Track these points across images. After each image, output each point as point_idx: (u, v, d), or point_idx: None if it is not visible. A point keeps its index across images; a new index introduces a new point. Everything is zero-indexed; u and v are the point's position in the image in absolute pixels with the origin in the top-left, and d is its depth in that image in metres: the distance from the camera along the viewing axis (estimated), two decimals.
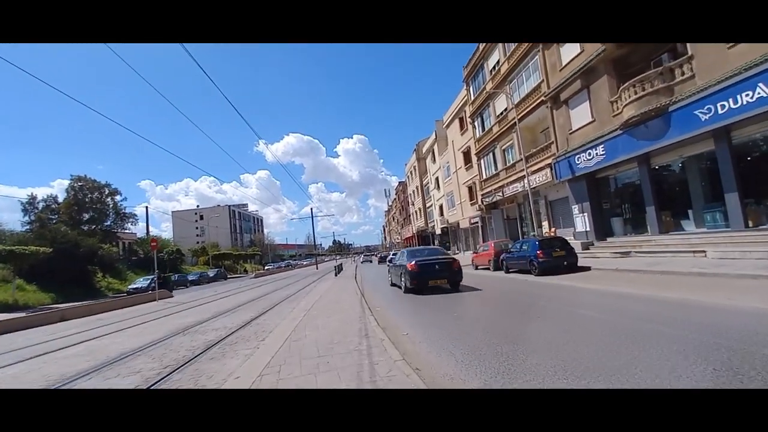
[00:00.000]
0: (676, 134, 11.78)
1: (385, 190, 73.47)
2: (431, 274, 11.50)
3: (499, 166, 25.83)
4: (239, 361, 5.55)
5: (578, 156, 16.63)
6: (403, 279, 12.38)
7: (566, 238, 15.42)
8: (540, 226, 23.17)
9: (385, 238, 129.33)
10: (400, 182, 75.79)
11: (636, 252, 13.61)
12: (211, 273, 46.37)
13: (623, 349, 4.27)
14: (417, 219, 58.13)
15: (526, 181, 20.08)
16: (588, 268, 12.82)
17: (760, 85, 9.28)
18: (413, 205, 59.94)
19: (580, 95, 16.77)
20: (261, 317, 10.10)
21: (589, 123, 16.24)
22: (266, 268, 66.89)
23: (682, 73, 11.74)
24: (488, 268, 18.12)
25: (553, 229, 21.52)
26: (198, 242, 75.59)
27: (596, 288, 9.17)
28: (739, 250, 9.76)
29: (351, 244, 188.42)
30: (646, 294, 7.55)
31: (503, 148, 25.09)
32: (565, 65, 17.22)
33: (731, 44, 10.08)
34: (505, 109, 23.70)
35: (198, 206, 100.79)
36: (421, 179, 52.28)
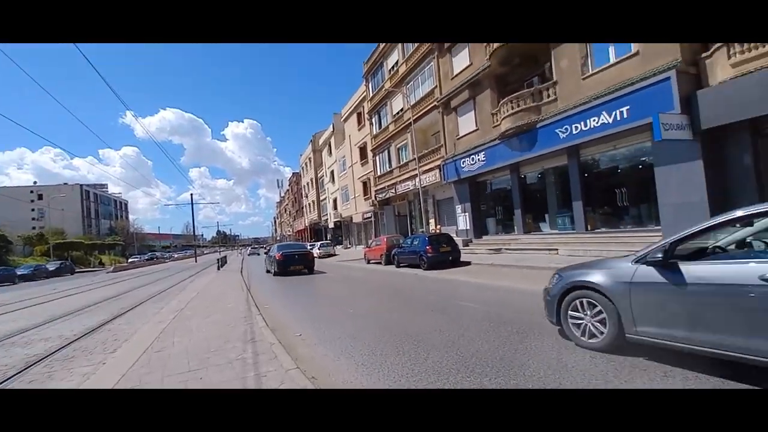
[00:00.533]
0: (541, 148, 13.71)
1: (277, 180, 70.04)
2: (292, 262, 16.69)
3: (393, 164, 26.73)
4: (74, 382, 4.31)
5: (463, 160, 18.15)
6: (273, 265, 17.29)
7: (451, 235, 16.70)
8: (428, 223, 24.77)
9: (275, 230, 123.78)
10: (294, 173, 73.06)
11: (506, 249, 15.46)
12: (52, 266, 37.75)
13: (510, 340, 4.58)
14: (310, 212, 56.81)
15: (417, 180, 21.15)
16: (469, 263, 14.05)
17: (603, 113, 11.34)
18: (307, 197, 58.39)
19: (467, 104, 18.30)
20: (115, 321, 8.33)
21: (474, 131, 17.84)
22: (130, 260, 57.33)
23: (548, 96, 13.67)
24: (380, 263, 18.53)
25: (438, 226, 23.21)
26: (35, 228, 60.64)
27: (478, 282, 10.02)
28: (582, 249, 11.81)
29: (238, 236, 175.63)
30: (521, 288, 8.50)
31: (398, 146, 26.01)
32: (456, 74, 18.58)
33: (586, 76, 12.09)
34: (402, 109, 24.57)
35: (36, 183, 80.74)
36: (316, 171, 51.19)
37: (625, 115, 10.81)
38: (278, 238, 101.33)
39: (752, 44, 8.62)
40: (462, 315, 6.33)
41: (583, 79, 12.29)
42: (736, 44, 8.91)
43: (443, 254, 13.84)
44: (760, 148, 9.38)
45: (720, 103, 9.10)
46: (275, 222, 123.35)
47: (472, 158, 17.52)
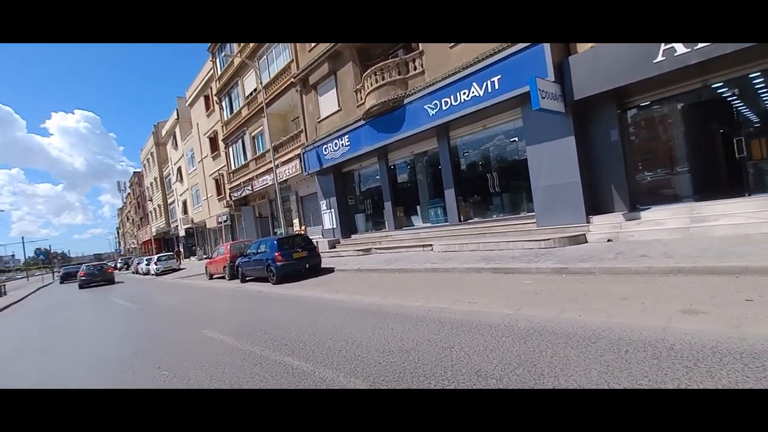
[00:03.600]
0: (409, 128, 11.73)
1: (118, 182, 55.98)
2: (93, 276, 22.67)
3: (249, 156, 22.37)
4: None
5: (326, 146, 15.29)
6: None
7: (315, 237, 13.68)
8: (291, 225, 21.28)
9: (119, 243, 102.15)
10: (135, 172, 60.02)
11: (376, 249, 13.15)
12: None
13: None
14: (156, 218, 46.88)
15: (275, 173, 17.50)
16: (331, 270, 11.19)
17: (474, 84, 9.79)
18: (152, 201, 48.02)
19: (328, 81, 15.51)
20: None
21: (337, 112, 15.15)
22: None
23: (415, 68, 11.78)
24: (224, 277, 14.31)
25: (303, 227, 19.95)
26: None
27: (340, 299, 7.15)
28: (457, 243, 10.09)
29: (65, 254, 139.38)
30: (392, 305, 5.92)
31: (253, 134, 21.77)
32: (314, 45, 15.61)
33: (453, 44, 10.43)
34: (255, 89, 20.47)
35: None
36: (161, 169, 42.20)
37: (496, 86, 9.37)
38: (122, 252, 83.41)
39: None
40: (336, 360, 3.24)
41: (451, 47, 10.64)
42: None
43: (298, 261, 10.67)
44: (626, 124, 8.87)
45: (590, 72, 8.15)
46: (119, 233, 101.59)
47: (335, 143, 14.78)
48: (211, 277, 15.69)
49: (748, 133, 8.34)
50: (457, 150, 12.11)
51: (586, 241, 8.18)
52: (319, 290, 8.49)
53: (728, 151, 8.17)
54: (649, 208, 8.19)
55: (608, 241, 7.86)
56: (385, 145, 12.96)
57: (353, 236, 15.95)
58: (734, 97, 7.93)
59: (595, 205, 8.88)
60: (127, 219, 74.69)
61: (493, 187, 11.16)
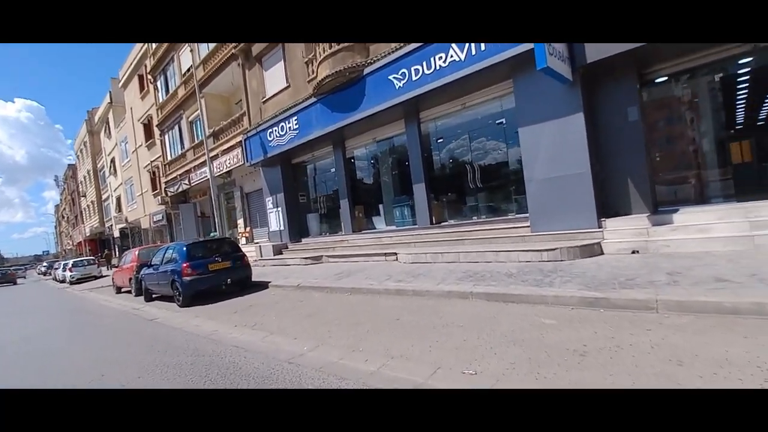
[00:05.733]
0: (371, 105, 9.28)
1: (56, 177, 49.58)
2: None
3: (186, 144, 19.08)
4: None
5: (271, 130, 12.53)
6: None
7: (261, 240, 10.88)
8: (235, 226, 18.27)
9: (57, 243, 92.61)
10: (69, 165, 53.51)
11: (329, 257, 10.58)
12: None
13: None
14: (90, 216, 41.54)
15: (212, 163, 14.52)
16: (266, 286, 8.50)
17: (453, 46, 7.50)
18: (85, 197, 42.57)
19: (275, 52, 12.78)
20: None
21: (285, 89, 12.45)
22: None
23: None
24: (131, 291, 11.16)
25: (248, 229, 16.99)
26: None
27: (248, 344, 4.51)
28: (430, 252, 7.74)
29: None
30: (324, 364, 3.41)
31: (191, 119, 18.53)
32: None
33: None
34: (193, 65, 17.28)
35: None
36: (95, 161, 37.23)
37: (482, 47, 7.12)
38: (58, 253, 75.24)
39: None
40: None
41: None
42: None
43: (216, 276, 7.89)
44: (645, 101, 6.91)
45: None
46: (56, 232, 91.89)
47: (282, 127, 12.07)
48: (118, 291, 12.44)
49: None
50: (430, 135, 9.82)
51: (602, 252, 6.07)
52: (229, 323, 5.80)
53: None
54: (677, 210, 6.22)
55: (633, 252, 5.78)
56: (341, 129, 10.43)
57: (304, 240, 13.27)
58: None
59: (607, 205, 6.84)
60: (63, 217, 67.13)
61: (473, 182, 8.94)
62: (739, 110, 8.62)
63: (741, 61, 6.72)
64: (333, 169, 12.32)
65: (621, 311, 3.57)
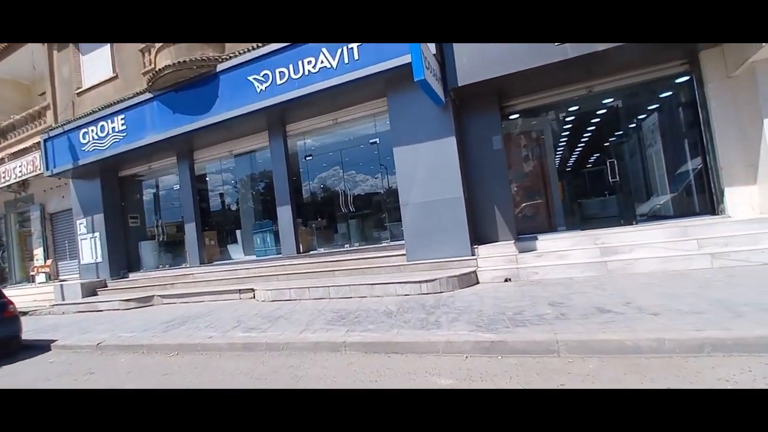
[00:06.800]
0: (226, 108, 7.64)
1: None
2: None
3: None
4: None
5: (86, 131, 9.48)
6: None
7: (70, 276, 7.64)
8: (31, 258, 13.43)
9: None
10: None
11: (164, 296, 8.15)
12: None
13: None
14: None
15: None
16: (47, 347, 5.74)
17: (324, 50, 6.66)
18: None
19: None
20: None
21: (111, 79, 9.70)
22: None
23: None
24: None
25: (48, 262, 12.57)
26: None
27: None
28: (295, 287, 6.41)
29: None
30: None
31: None
32: None
33: None
34: None
35: None
36: None
37: (355, 56, 6.46)
38: None
39: None
40: None
41: None
42: None
43: None
44: (505, 133, 7.22)
45: (478, 51, 6.10)
46: None
47: (102, 127, 9.22)
48: None
49: (621, 153, 7.83)
50: (298, 152, 8.71)
51: (478, 281, 5.79)
52: None
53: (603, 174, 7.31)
54: (535, 238, 6.48)
55: (506, 280, 5.63)
56: (187, 136, 8.40)
57: (133, 275, 10.23)
58: (615, 110, 7.20)
59: (478, 231, 6.77)
60: None
61: (346, 206, 8.09)
62: (561, 151, 9.96)
63: (570, 108, 7.72)
64: (177, 186, 9.95)
65: (521, 357, 2.97)
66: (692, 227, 5.39)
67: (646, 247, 5.22)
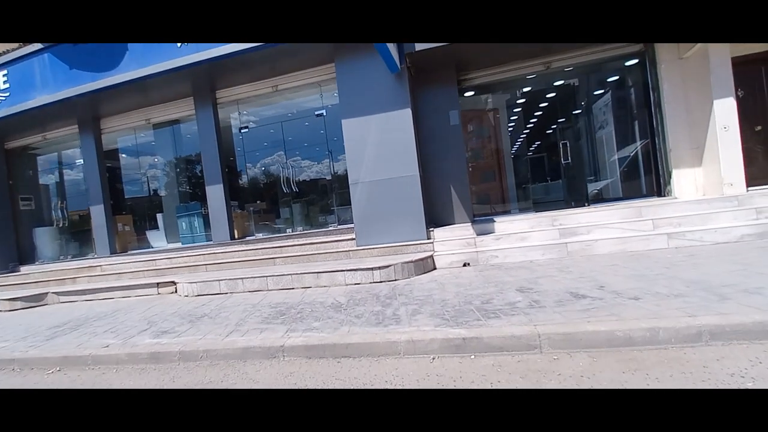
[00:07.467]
0: (139, 64, 6.30)
1: None
2: None
3: None
4: None
5: None
6: None
7: None
8: None
9: None
10: None
11: (61, 293, 6.72)
12: None
13: None
14: None
15: None
16: None
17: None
18: None
19: None
20: None
21: None
22: None
23: None
24: None
25: None
26: None
27: None
28: (226, 278, 5.44)
29: None
30: None
31: None
32: None
33: None
34: None
35: None
36: None
37: None
38: None
39: None
40: None
41: None
42: None
43: None
44: (462, 109, 6.77)
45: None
46: None
47: None
48: None
49: (574, 135, 7.74)
50: (231, 125, 7.59)
51: (435, 267, 5.31)
52: None
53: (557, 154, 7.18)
54: (492, 220, 6.15)
55: (464, 265, 5.21)
56: (90, 98, 6.90)
57: (26, 268, 8.47)
58: (572, 89, 7.04)
59: (433, 213, 6.31)
60: None
61: (288, 186, 7.21)
62: (515, 131, 9.91)
63: (526, 88, 7.48)
64: (80, 161, 8.32)
65: (498, 355, 2.47)
66: (646, 208, 5.34)
67: (604, 228, 5.07)
